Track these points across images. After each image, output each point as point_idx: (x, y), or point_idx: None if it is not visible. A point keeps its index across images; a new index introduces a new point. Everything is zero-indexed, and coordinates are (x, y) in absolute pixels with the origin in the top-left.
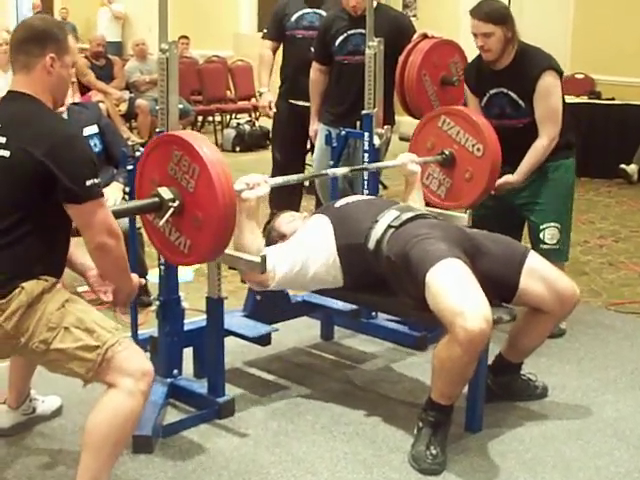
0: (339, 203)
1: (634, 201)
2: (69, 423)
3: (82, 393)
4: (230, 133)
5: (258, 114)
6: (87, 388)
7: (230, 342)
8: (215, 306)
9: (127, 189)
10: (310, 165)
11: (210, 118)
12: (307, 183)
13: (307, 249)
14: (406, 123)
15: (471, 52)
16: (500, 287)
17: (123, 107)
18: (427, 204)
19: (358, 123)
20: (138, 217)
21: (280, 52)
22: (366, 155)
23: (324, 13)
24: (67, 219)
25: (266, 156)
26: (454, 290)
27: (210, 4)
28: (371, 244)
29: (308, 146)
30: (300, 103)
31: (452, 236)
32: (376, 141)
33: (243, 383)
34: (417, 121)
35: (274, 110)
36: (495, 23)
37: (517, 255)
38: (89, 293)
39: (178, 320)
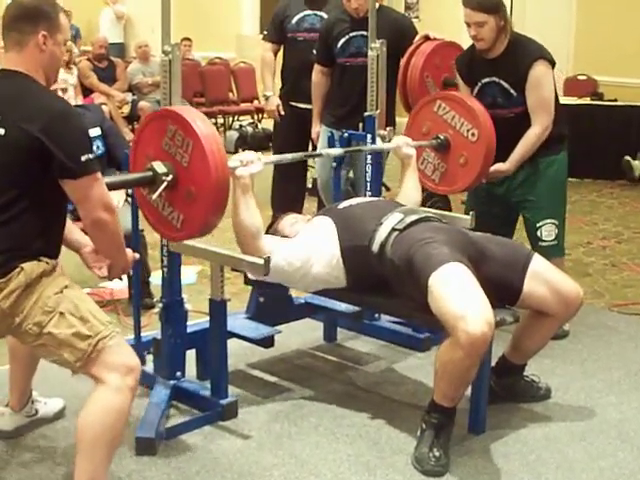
0: (342, 205)
1: (637, 202)
2: (72, 425)
3: (85, 395)
4: (233, 135)
5: (261, 116)
6: (90, 390)
7: (233, 344)
8: (218, 308)
9: (129, 191)
10: (312, 167)
11: (212, 120)
12: (310, 185)
13: (310, 249)
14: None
15: None
16: (504, 291)
17: (126, 109)
18: (423, 189)
19: (360, 125)
20: (141, 219)
21: (280, 54)
22: (368, 157)
23: (325, 15)
24: (64, 196)
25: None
26: (456, 294)
27: (212, 6)
28: (375, 247)
29: (310, 148)
30: (301, 105)
31: (456, 240)
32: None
33: (246, 385)
34: None
35: (282, 113)
36: (488, 12)
37: (521, 258)
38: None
39: (181, 322)
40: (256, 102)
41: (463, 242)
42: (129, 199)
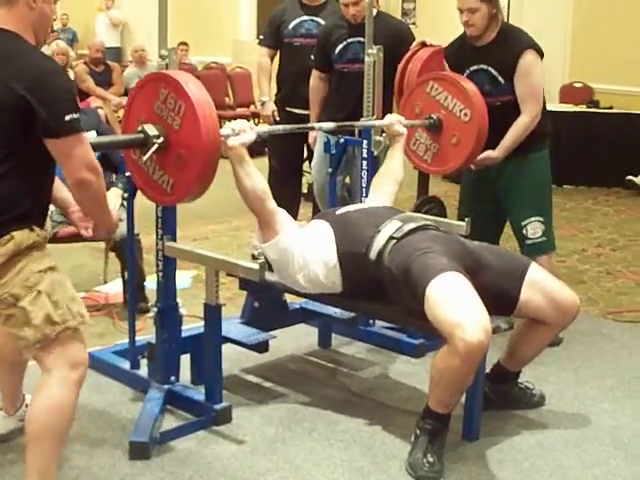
0: (340, 210)
1: (632, 210)
2: None
3: (79, 399)
4: None
5: (257, 121)
6: (84, 394)
7: (227, 349)
8: (213, 313)
9: (126, 195)
10: (308, 172)
11: None
12: (305, 190)
13: (307, 252)
14: None
15: None
16: (501, 299)
17: (122, 113)
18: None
19: (357, 130)
20: (136, 223)
21: (276, 59)
22: (364, 162)
23: (322, 21)
24: (51, 158)
25: (266, 163)
26: (453, 302)
27: (209, 11)
28: (372, 254)
29: (305, 154)
30: (297, 111)
31: (453, 250)
32: (374, 149)
33: (240, 390)
34: None
35: (277, 118)
36: None
37: (518, 268)
38: (85, 299)
39: (176, 327)
40: (252, 107)
41: (460, 252)
42: (125, 203)
